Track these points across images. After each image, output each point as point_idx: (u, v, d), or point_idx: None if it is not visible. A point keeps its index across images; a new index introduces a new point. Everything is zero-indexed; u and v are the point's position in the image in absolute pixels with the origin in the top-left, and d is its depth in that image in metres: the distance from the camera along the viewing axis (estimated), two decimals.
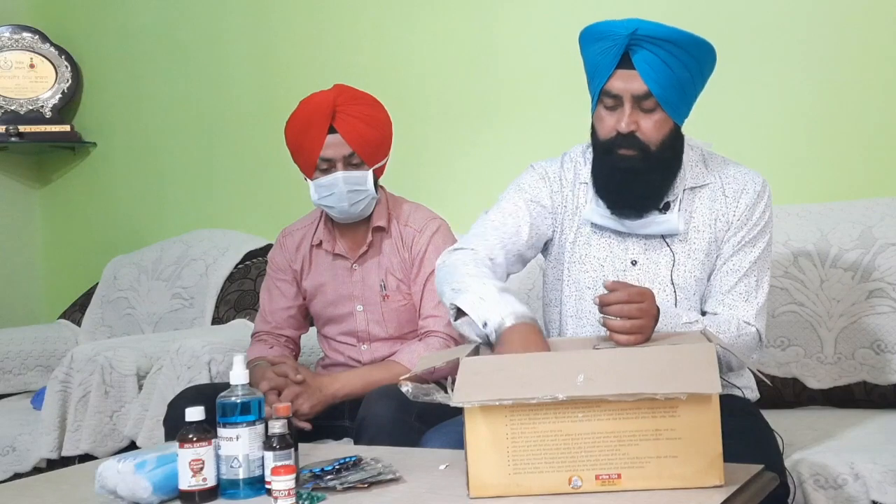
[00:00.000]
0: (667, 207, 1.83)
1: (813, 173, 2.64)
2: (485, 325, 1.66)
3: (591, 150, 1.91)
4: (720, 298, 1.84)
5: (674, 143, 1.81)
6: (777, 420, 1.82)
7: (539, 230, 1.94)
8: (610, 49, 1.74)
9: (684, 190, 1.86)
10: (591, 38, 1.80)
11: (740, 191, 1.86)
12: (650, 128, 1.77)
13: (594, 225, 1.90)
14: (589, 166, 1.92)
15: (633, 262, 1.86)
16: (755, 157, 2.63)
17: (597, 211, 1.87)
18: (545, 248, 2.00)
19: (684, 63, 1.74)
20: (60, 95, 3.89)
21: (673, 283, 1.83)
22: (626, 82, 1.75)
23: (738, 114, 2.73)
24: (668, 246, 1.85)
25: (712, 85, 2.71)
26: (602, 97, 1.79)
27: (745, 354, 1.82)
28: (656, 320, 1.66)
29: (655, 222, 1.83)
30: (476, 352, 1.66)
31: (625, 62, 1.74)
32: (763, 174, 2.58)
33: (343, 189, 2.22)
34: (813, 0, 2.63)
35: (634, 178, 1.78)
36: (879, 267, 2.27)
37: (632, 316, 1.60)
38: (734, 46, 2.73)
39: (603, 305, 1.62)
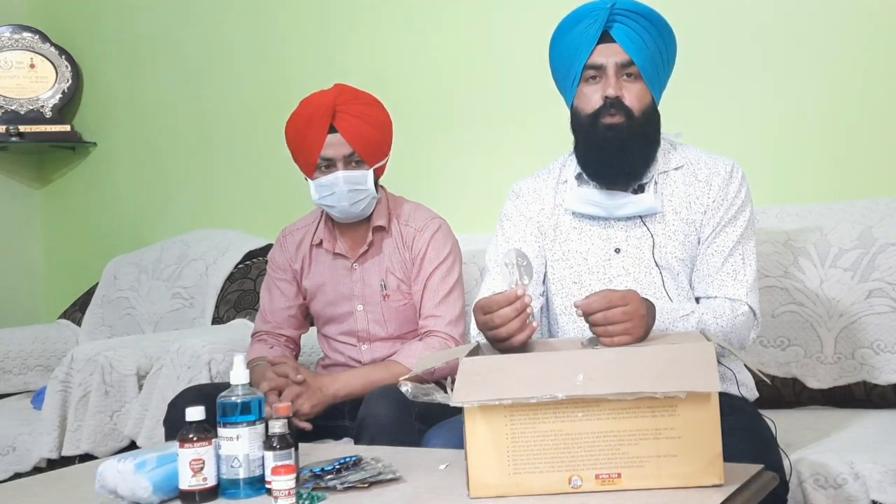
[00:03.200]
0: (641, 190, 1.89)
1: (813, 173, 2.64)
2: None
3: (572, 156, 1.97)
4: (709, 281, 1.87)
5: (653, 117, 1.88)
6: (777, 420, 1.82)
7: (539, 230, 1.99)
8: (590, 26, 1.84)
9: (658, 174, 1.91)
10: (570, 25, 1.88)
11: (711, 174, 1.90)
12: (633, 95, 1.85)
13: (575, 216, 1.94)
14: (570, 167, 1.97)
15: (617, 251, 1.89)
16: (755, 158, 2.64)
17: (578, 196, 1.92)
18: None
19: (656, 40, 1.85)
20: (60, 95, 3.89)
21: (657, 265, 1.86)
22: (609, 53, 1.84)
23: (738, 114, 2.73)
24: (646, 227, 1.88)
25: (713, 85, 2.74)
26: (585, 72, 1.86)
27: (744, 335, 1.85)
28: (648, 318, 1.65)
29: (632, 202, 1.88)
30: (476, 352, 1.66)
31: (604, 38, 1.84)
32: (764, 174, 2.60)
33: (343, 188, 2.22)
34: (813, 1, 2.64)
35: (622, 144, 1.84)
36: (879, 267, 2.27)
37: (617, 320, 1.60)
38: (734, 47, 2.74)
39: (586, 315, 1.63)
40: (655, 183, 1.90)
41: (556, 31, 1.92)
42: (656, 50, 1.85)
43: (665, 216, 1.89)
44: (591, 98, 1.86)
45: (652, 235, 1.88)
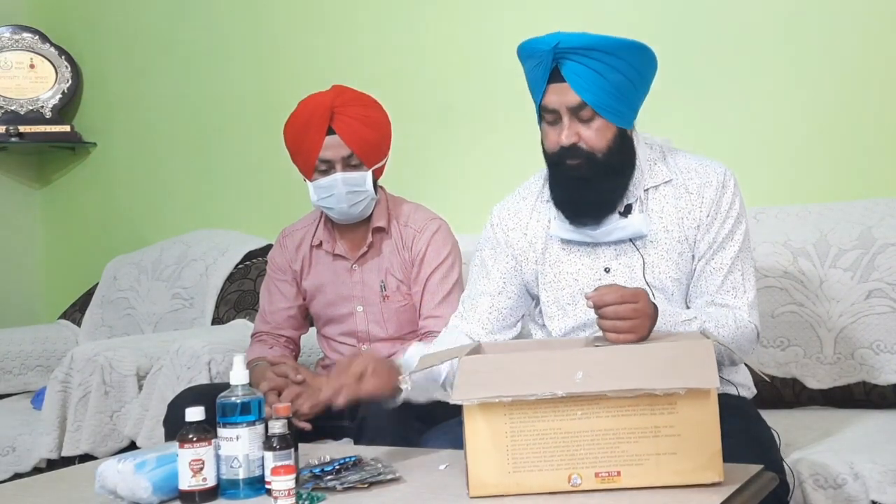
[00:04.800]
0: (628, 210, 1.83)
1: (813, 173, 2.64)
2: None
3: None
4: (709, 299, 1.82)
5: (621, 148, 1.80)
6: (777, 420, 1.82)
7: (513, 269, 1.96)
8: (538, 65, 1.76)
9: (645, 190, 1.85)
10: (523, 56, 1.82)
11: (703, 185, 1.84)
12: (592, 136, 1.77)
13: (562, 240, 1.89)
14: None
15: (607, 270, 1.85)
16: (755, 158, 2.65)
17: (561, 226, 1.87)
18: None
19: (616, 68, 1.74)
20: (60, 95, 3.89)
21: (649, 286, 1.80)
22: (560, 95, 1.76)
23: (737, 114, 2.73)
24: (637, 250, 1.83)
25: (713, 85, 2.74)
26: (542, 113, 1.81)
27: (746, 348, 1.82)
28: (653, 319, 1.64)
29: (619, 227, 1.82)
30: (476, 351, 1.66)
31: (556, 76, 1.75)
32: (763, 174, 2.60)
33: (342, 190, 2.22)
34: (812, 1, 2.64)
35: (586, 185, 1.79)
36: (879, 267, 2.27)
37: (626, 316, 1.59)
38: (734, 47, 2.74)
39: (598, 307, 1.62)
40: (641, 202, 1.84)
41: (517, 52, 1.84)
42: (619, 77, 1.74)
43: (656, 235, 1.84)
44: (551, 138, 1.80)
45: (642, 257, 1.83)
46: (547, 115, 1.80)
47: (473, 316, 1.96)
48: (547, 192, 1.92)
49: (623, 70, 1.75)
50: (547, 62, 1.74)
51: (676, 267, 1.83)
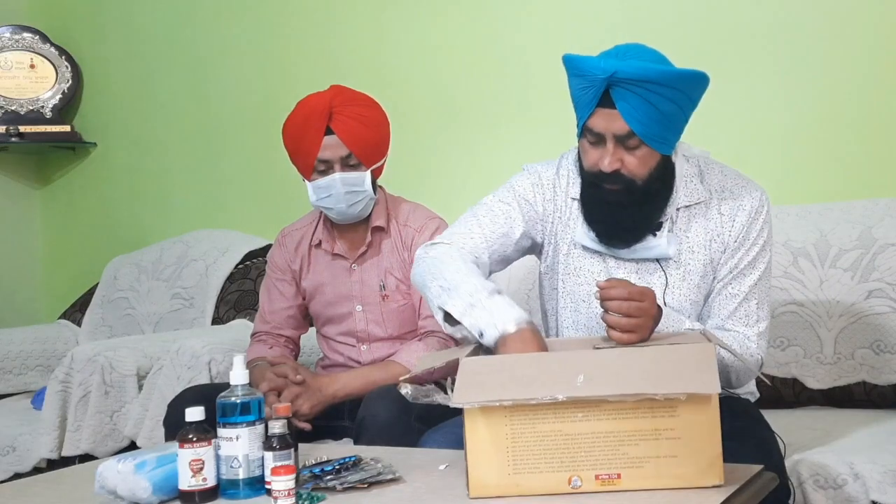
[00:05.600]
0: (658, 227, 1.80)
1: (813, 173, 2.64)
2: (481, 335, 1.62)
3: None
4: (720, 323, 1.81)
5: (662, 174, 1.77)
6: (777, 420, 1.82)
7: (529, 234, 1.91)
8: (589, 88, 1.70)
9: (677, 209, 1.82)
10: (571, 71, 1.76)
11: (736, 208, 1.81)
12: (635, 164, 1.73)
13: (584, 246, 1.87)
14: (577, 184, 1.88)
15: None
16: (755, 158, 2.64)
17: (587, 235, 1.84)
18: (539, 255, 1.97)
19: (669, 98, 1.69)
20: (60, 95, 3.89)
21: (667, 306, 1.77)
22: (608, 121, 1.71)
23: (738, 114, 2.73)
24: (661, 269, 1.81)
25: (713, 86, 2.72)
26: (585, 132, 1.76)
27: (746, 375, 1.81)
28: (656, 321, 1.64)
29: (646, 247, 1.80)
30: (476, 352, 1.66)
31: (605, 100, 1.70)
32: (763, 175, 2.58)
33: (341, 190, 2.22)
34: (814, 3, 2.63)
35: (622, 211, 1.76)
36: (879, 267, 2.27)
37: (630, 314, 1.59)
38: (734, 47, 2.73)
39: (604, 300, 1.61)
40: (672, 220, 1.81)
41: (563, 61, 1.77)
42: (672, 107, 1.70)
43: (681, 256, 1.81)
44: (592, 158, 1.76)
45: (666, 277, 1.81)
46: (590, 136, 1.75)
47: (467, 242, 1.85)
48: (576, 189, 1.88)
49: (676, 99, 1.70)
50: (599, 88, 1.69)
51: (697, 289, 1.82)
